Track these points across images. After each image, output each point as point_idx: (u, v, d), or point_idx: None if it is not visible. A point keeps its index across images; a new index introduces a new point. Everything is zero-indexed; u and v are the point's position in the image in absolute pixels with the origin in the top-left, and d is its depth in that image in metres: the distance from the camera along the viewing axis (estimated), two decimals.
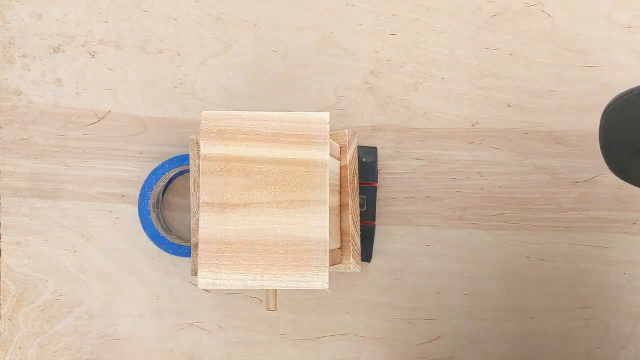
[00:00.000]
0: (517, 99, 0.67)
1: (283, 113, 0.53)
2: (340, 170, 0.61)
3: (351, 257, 0.60)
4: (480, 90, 0.67)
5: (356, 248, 0.61)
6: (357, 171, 0.63)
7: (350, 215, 0.61)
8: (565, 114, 0.67)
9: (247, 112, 0.53)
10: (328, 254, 0.52)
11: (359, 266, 0.62)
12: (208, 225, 0.52)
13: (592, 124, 0.67)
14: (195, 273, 0.60)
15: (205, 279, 0.52)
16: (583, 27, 0.67)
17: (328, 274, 0.51)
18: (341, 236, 0.61)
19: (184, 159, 0.65)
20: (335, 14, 0.67)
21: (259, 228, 0.52)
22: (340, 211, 0.61)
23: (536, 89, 0.67)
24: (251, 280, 0.53)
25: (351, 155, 0.61)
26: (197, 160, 0.59)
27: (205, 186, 0.52)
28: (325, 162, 0.52)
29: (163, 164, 0.65)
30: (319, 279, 0.52)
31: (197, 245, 0.58)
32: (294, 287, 0.52)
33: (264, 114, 0.53)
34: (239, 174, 0.53)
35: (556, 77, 0.67)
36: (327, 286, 0.51)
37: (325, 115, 0.52)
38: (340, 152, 0.61)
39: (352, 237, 0.61)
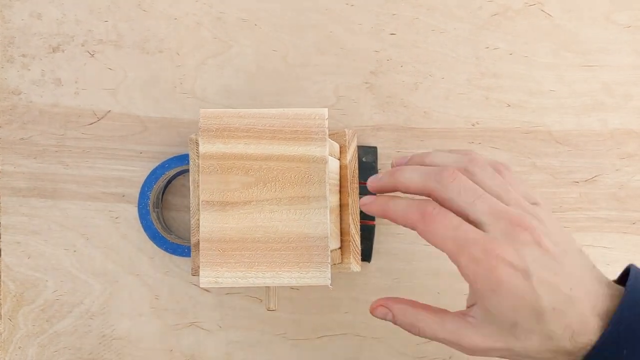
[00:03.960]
0: (517, 99, 0.67)
1: (281, 109, 0.53)
2: (340, 170, 0.61)
3: (351, 256, 0.60)
4: (480, 89, 0.67)
5: (356, 248, 0.61)
6: (357, 171, 0.63)
7: (350, 215, 0.61)
8: (565, 113, 0.67)
9: (245, 110, 0.53)
10: (329, 250, 0.52)
11: (358, 266, 0.62)
12: (208, 224, 0.52)
13: (592, 123, 0.67)
14: (195, 272, 0.60)
15: (207, 277, 0.52)
16: (583, 26, 0.67)
17: (330, 270, 0.51)
18: (341, 236, 0.61)
19: (183, 159, 0.65)
20: (335, 13, 0.68)
21: (259, 225, 0.52)
22: (340, 211, 0.61)
23: (536, 88, 0.67)
24: (253, 278, 0.53)
25: (351, 155, 0.61)
26: (196, 160, 0.59)
27: (205, 184, 0.52)
28: (325, 157, 0.52)
29: (162, 163, 0.65)
30: (320, 275, 0.52)
31: (196, 244, 0.58)
32: (296, 284, 0.52)
33: (262, 111, 0.53)
34: (238, 171, 0.53)
35: (556, 77, 0.67)
36: (329, 282, 0.51)
37: (324, 111, 0.52)
38: (340, 151, 0.61)
39: (352, 236, 0.61)
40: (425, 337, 0.47)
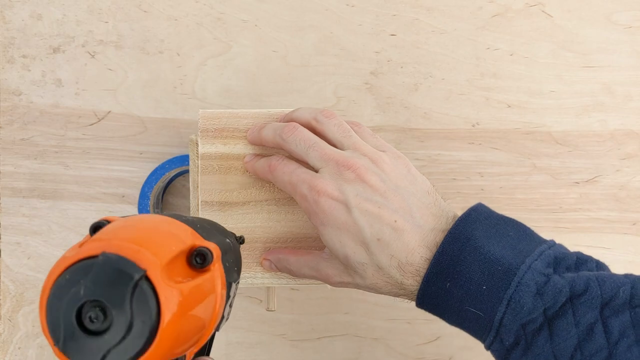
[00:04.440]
0: (517, 99, 0.67)
1: (280, 110, 0.53)
2: None
3: None
4: (480, 90, 0.67)
5: None
6: None
7: None
8: (565, 114, 0.67)
9: (244, 110, 0.53)
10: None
11: None
12: None
13: (592, 124, 0.67)
14: None
15: None
16: (583, 27, 0.67)
17: None
18: None
19: (183, 159, 0.65)
20: (335, 14, 0.68)
21: (258, 225, 0.52)
22: None
23: (536, 89, 0.67)
24: (252, 278, 0.53)
25: None
26: (196, 160, 0.59)
27: (204, 185, 0.53)
28: None
29: (163, 164, 0.65)
30: None
31: None
32: (295, 284, 0.52)
33: (261, 111, 0.53)
34: (237, 172, 0.53)
35: (556, 77, 0.67)
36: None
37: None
38: None
39: None
40: (300, 277, 0.51)
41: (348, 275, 0.47)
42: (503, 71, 0.67)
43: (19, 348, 0.67)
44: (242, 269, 0.53)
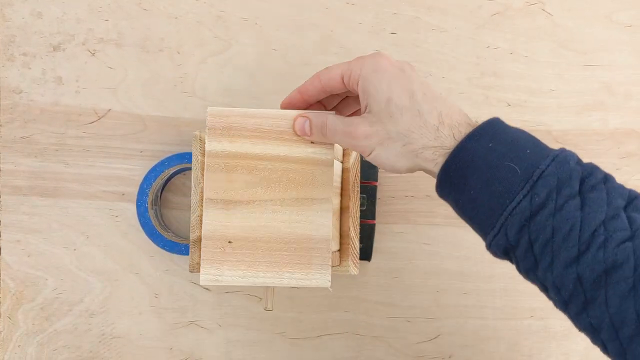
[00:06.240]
0: (517, 98, 0.67)
1: (289, 110, 0.53)
2: (342, 173, 0.61)
3: (349, 259, 0.60)
4: (480, 89, 0.67)
5: (355, 251, 0.61)
6: (359, 174, 0.63)
7: (351, 218, 0.60)
8: (565, 113, 0.67)
9: (252, 109, 0.53)
10: (330, 252, 0.52)
11: (357, 269, 0.62)
12: (211, 222, 0.52)
13: (592, 123, 0.67)
14: (193, 269, 0.59)
15: (208, 275, 0.52)
16: (583, 26, 0.68)
17: (330, 272, 0.51)
18: (340, 239, 0.61)
19: (182, 157, 0.65)
20: (336, 12, 0.68)
21: (262, 225, 0.52)
22: (341, 213, 0.61)
23: (536, 87, 0.67)
24: (253, 277, 0.53)
25: (354, 158, 0.61)
26: (199, 157, 0.59)
27: (209, 182, 0.52)
28: (331, 160, 0.52)
29: (162, 161, 0.65)
30: (321, 277, 0.52)
31: (196, 241, 0.58)
32: (296, 285, 0.52)
33: (270, 111, 0.53)
34: (243, 170, 0.53)
35: (556, 76, 0.67)
36: (329, 284, 0.52)
37: (330, 114, 0.52)
38: (343, 154, 0.61)
39: (352, 239, 0.61)
40: (332, 133, 0.51)
41: (381, 123, 0.48)
42: (503, 70, 0.67)
43: (19, 346, 0.67)
44: (244, 267, 0.53)
